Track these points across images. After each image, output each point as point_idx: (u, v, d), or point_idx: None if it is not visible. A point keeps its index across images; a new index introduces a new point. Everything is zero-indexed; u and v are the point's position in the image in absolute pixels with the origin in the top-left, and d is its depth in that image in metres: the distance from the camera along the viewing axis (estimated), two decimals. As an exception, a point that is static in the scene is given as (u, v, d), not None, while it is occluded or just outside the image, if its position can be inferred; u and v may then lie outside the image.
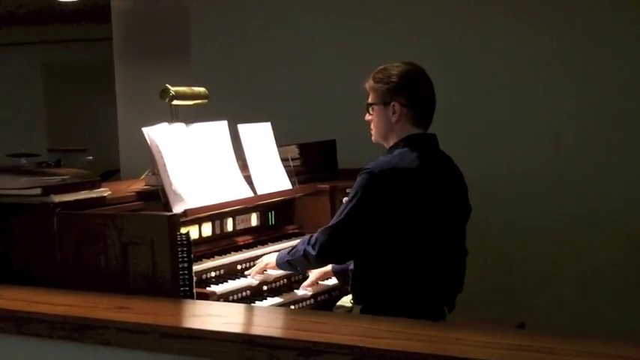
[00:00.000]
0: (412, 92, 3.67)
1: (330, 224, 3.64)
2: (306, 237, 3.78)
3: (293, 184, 4.47)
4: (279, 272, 3.98)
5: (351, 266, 3.76)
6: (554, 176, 5.52)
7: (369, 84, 3.75)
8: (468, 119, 5.72)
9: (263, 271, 3.97)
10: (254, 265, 4.01)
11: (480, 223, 5.40)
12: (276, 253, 3.97)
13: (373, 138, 3.81)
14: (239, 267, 4.05)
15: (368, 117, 3.79)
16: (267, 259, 3.99)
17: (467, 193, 3.84)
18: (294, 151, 4.72)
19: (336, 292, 4.12)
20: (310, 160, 4.82)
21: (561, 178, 5.49)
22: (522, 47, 5.60)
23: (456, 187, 3.79)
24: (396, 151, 3.64)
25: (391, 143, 3.71)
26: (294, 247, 3.83)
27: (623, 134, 5.35)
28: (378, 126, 3.74)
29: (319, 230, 3.68)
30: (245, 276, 3.95)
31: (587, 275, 5.43)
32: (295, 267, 3.87)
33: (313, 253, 3.65)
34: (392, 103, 3.66)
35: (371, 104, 3.74)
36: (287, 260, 3.84)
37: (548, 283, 5.55)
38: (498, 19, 5.68)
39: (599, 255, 5.40)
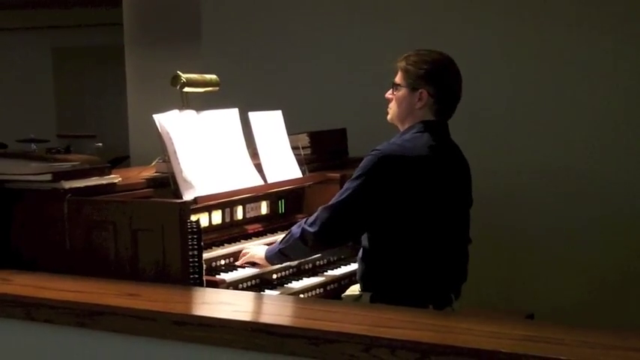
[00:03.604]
0: (442, 84, 3.67)
1: (332, 202, 3.61)
2: (300, 221, 3.76)
3: (303, 172, 4.46)
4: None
5: (360, 254, 3.75)
6: (564, 170, 5.50)
7: (401, 64, 3.72)
8: (481, 114, 5.70)
9: (253, 263, 3.88)
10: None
11: (492, 215, 5.43)
12: (264, 246, 3.93)
13: (389, 117, 3.80)
14: (249, 255, 4.03)
15: (389, 95, 3.78)
16: (255, 252, 3.89)
17: (471, 183, 3.84)
18: (304, 140, 4.71)
19: (346, 281, 4.11)
20: (321, 149, 4.81)
21: (571, 173, 5.47)
22: (536, 43, 5.57)
23: (462, 177, 3.80)
24: (408, 135, 3.64)
25: (406, 126, 3.71)
26: (285, 236, 3.79)
27: (636, 131, 5.33)
28: (399, 108, 3.72)
29: (320, 208, 3.66)
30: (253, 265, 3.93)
31: (597, 267, 5.41)
32: (289, 256, 3.80)
33: (312, 230, 3.61)
34: (420, 90, 3.65)
35: (397, 85, 3.72)
36: (279, 250, 3.77)
37: (557, 275, 5.54)
38: (513, 13, 5.65)
39: (610, 247, 5.38)
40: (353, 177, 3.60)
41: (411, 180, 3.54)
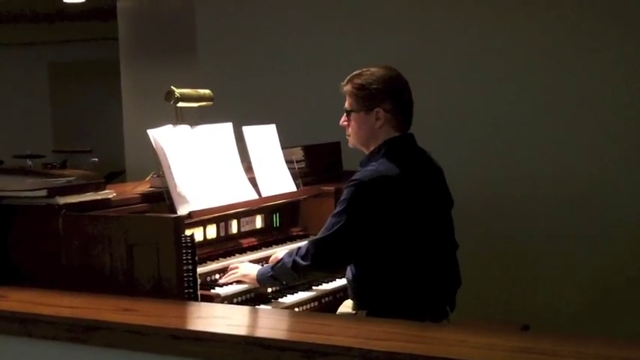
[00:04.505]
0: (395, 97, 3.66)
1: (322, 235, 3.63)
2: (292, 249, 3.77)
3: (297, 186, 4.47)
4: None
5: (348, 274, 3.76)
6: (562, 177, 5.51)
7: (347, 89, 3.72)
8: (479, 122, 5.72)
9: (238, 281, 3.88)
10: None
11: (486, 225, 5.44)
12: (253, 265, 3.94)
13: (350, 144, 3.80)
14: (244, 269, 4.04)
15: (344, 122, 3.78)
16: (245, 271, 3.88)
17: (446, 185, 3.85)
18: (298, 153, 4.72)
19: (340, 295, 4.12)
20: (315, 162, 4.83)
21: (569, 180, 5.48)
22: (535, 48, 5.58)
23: (438, 183, 3.81)
24: (380, 159, 3.63)
25: (372, 148, 3.70)
26: (276, 263, 3.80)
27: (636, 137, 5.34)
28: (358, 133, 3.72)
29: (309, 241, 3.69)
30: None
31: (593, 277, 5.42)
32: (280, 281, 3.83)
33: (304, 263, 3.63)
34: (375, 110, 3.65)
35: (351, 111, 3.72)
36: (270, 275, 3.78)
37: (552, 286, 5.55)
38: (504, 17, 5.67)
39: (605, 257, 5.39)
40: (338, 210, 3.60)
41: (393, 201, 3.55)
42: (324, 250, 3.61)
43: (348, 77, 3.73)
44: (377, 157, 3.64)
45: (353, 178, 3.60)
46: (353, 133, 3.74)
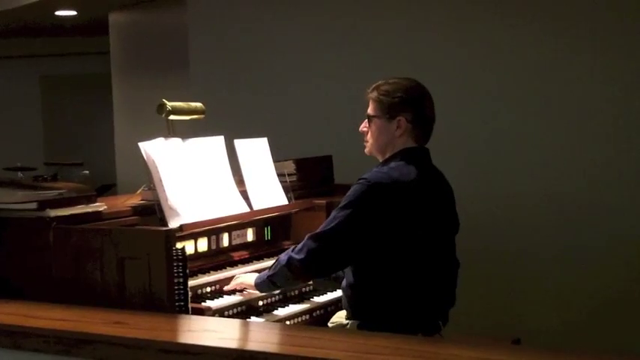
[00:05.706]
0: (419, 108, 3.67)
1: (319, 230, 3.59)
2: (288, 249, 3.75)
3: (289, 199, 4.47)
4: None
5: (344, 283, 3.75)
6: (554, 194, 5.51)
7: (373, 95, 3.71)
8: (473, 137, 5.73)
9: (239, 289, 3.91)
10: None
11: (480, 240, 5.43)
12: (253, 273, 3.93)
13: (367, 150, 3.78)
14: (235, 282, 4.04)
15: (363, 128, 3.78)
16: (243, 279, 3.91)
17: (455, 207, 3.85)
18: (290, 167, 4.72)
19: (332, 308, 4.12)
20: (307, 176, 4.82)
21: (561, 197, 5.49)
22: (528, 63, 5.59)
23: (448, 202, 3.80)
24: (392, 164, 3.63)
25: (387, 156, 3.70)
26: (273, 263, 3.78)
27: (627, 156, 5.35)
28: (378, 139, 3.71)
29: (307, 236, 3.63)
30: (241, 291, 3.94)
31: (585, 291, 5.42)
32: (276, 283, 3.79)
33: (299, 258, 3.59)
34: (398, 118, 3.65)
35: (373, 116, 3.72)
36: (268, 277, 3.76)
37: (544, 299, 5.55)
38: (502, 35, 5.68)
39: (598, 272, 5.39)
40: (341, 205, 3.57)
41: (399, 208, 3.53)
42: (321, 244, 3.56)
43: (374, 85, 3.74)
44: (391, 163, 3.63)
45: (363, 176, 3.58)
46: (372, 139, 3.73)
